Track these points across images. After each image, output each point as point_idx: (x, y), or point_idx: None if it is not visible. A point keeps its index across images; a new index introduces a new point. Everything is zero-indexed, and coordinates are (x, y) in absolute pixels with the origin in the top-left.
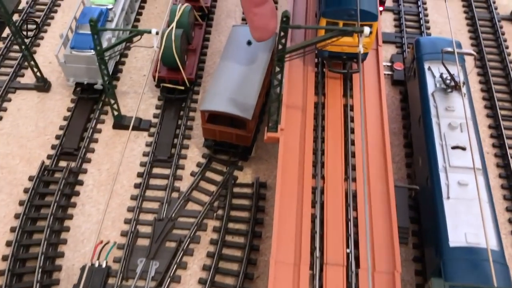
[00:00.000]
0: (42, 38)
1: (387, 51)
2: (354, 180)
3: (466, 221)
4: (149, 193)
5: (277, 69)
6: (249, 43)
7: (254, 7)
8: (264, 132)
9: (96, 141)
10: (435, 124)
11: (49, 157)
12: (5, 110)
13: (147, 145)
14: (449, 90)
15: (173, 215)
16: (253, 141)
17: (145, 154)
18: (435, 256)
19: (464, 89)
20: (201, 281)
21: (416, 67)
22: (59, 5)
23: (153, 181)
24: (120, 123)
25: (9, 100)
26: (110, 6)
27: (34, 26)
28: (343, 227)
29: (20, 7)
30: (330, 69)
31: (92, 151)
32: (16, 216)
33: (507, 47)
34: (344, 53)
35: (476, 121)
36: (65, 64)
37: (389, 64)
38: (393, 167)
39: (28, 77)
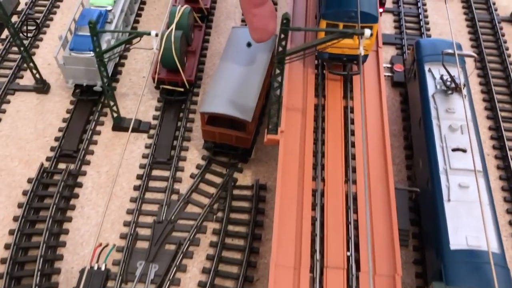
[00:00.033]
0: (41, 39)
1: (387, 53)
2: (354, 182)
3: (467, 223)
4: (148, 195)
5: (277, 71)
6: (249, 44)
7: (253, 8)
8: (264, 134)
9: (95, 143)
10: (436, 126)
11: (48, 159)
12: (4, 112)
13: (147, 147)
14: (450, 92)
15: (172, 218)
16: (253, 143)
17: (144, 156)
18: (435, 259)
19: (464, 91)
20: (201, 284)
21: (416, 69)
22: (58, 7)
23: (152, 183)
24: (120, 125)
25: (8, 101)
26: (109, 8)
27: (34, 27)
28: (343, 229)
29: (19, 9)
30: (330, 71)
31: (92, 153)
32: (15, 219)
33: (507, 49)
34: (345, 55)
35: (476, 123)
36: (64, 65)
37: (389, 65)
38: (393, 169)
39: (27, 79)
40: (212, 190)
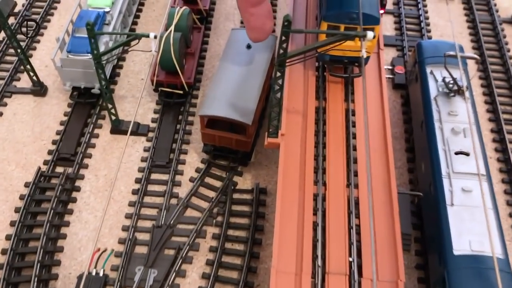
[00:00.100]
0: (38, 41)
1: (388, 54)
2: (356, 186)
3: (471, 228)
4: (147, 199)
5: (278, 74)
6: (248, 46)
7: (250, 7)
8: (264, 137)
9: (93, 146)
10: (438, 129)
11: (45, 162)
12: (0, 114)
13: (145, 150)
14: (452, 94)
15: (171, 222)
16: (253, 146)
17: (143, 160)
18: (438, 264)
19: (467, 94)
20: None
21: (418, 71)
22: (55, 8)
23: (151, 187)
24: (118, 128)
25: (5, 104)
26: (107, 9)
27: (34, 26)
28: (345, 235)
29: (16, 10)
30: (331, 73)
31: (89, 156)
32: (12, 224)
33: (508, 50)
34: (346, 57)
35: (479, 126)
36: (62, 68)
37: (390, 67)
38: (395, 172)
39: (24, 81)
40: (211, 194)
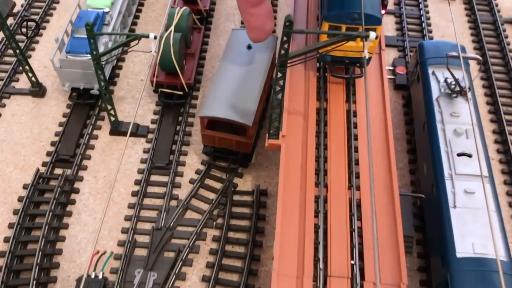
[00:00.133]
0: (37, 42)
1: (389, 55)
2: (358, 188)
3: (473, 230)
4: (147, 201)
5: (279, 74)
6: (249, 47)
7: (250, 7)
8: (264, 138)
9: (92, 147)
10: (440, 130)
11: (44, 164)
12: None
13: (145, 151)
14: (454, 95)
15: (171, 224)
16: (253, 147)
17: (142, 161)
18: (441, 267)
19: (469, 94)
20: None
21: (419, 72)
22: (54, 9)
23: (151, 189)
24: (117, 129)
25: (3, 105)
26: (106, 10)
27: (34, 26)
28: (347, 237)
29: (14, 11)
30: (332, 74)
31: (89, 158)
32: (10, 226)
33: (510, 51)
34: (347, 58)
35: (481, 127)
36: (61, 69)
37: (391, 68)
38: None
39: (23, 82)
40: (212, 195)
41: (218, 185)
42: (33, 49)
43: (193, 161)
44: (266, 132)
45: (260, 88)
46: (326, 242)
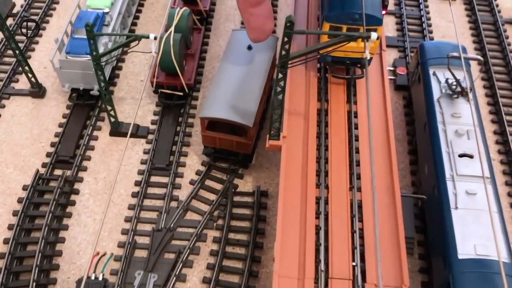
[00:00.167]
0: (37, 42)
1: (390, 55)
2: (359, 189)
3: (475, 231)
4: (147, 202)
5: (280, 75)
6: (249, 47)
7: (250, 7)
8: (265, 139)
9: (92, 148)
10: (441, 131)
11: (43, 165)
12: None
13: (145, 152)
14: (455, 96)
15: (172, 225)
16: (254, 148)
17: (143, 162)
18: (443, 268)
19: (470, 95)
20: None
21: (420, 72)
22: (54, 9)
23: (151, 190)
24: (117, 130)
25: (3, 106)
26: (106, 10)
27: (34, 26)
28: (348, 238)
29: (14, 11)
30: (333, 74)
31: (88, 159)
32: (10, 227)
33: (511, 51)
34: (348, 58)
35: (483, 127)
36: (61, 69)
37: (392, 68)
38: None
39: (23, 83)
40: (212, 196)
41: (218, 186)
42: (33, 50)
43: (193, 162)
44: (266, 133)
45: (261, 89)
46: (327, 244)
